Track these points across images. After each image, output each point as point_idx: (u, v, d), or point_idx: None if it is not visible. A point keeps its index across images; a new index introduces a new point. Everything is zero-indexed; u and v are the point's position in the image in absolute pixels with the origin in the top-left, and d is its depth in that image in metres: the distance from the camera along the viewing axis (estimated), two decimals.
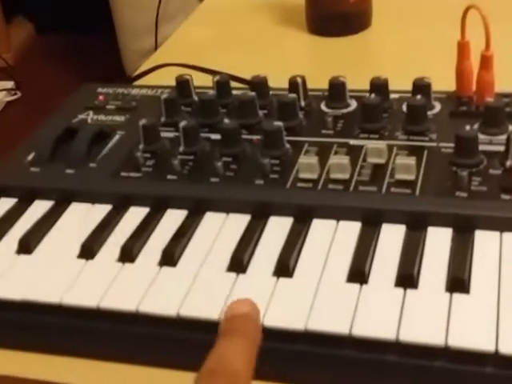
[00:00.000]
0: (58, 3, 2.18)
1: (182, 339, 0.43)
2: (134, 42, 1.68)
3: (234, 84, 0.67)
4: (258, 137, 0.55)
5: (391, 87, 0.58)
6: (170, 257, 0.47)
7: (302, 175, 0.50)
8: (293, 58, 0.80)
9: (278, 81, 0.61)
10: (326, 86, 0.60)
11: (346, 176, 0.50)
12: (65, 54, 2.13)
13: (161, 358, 0.43)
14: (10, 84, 2.00)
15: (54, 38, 2.17)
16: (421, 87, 0.55)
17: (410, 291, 0.42)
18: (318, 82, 0.61)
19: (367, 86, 0.58)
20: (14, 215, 0.52)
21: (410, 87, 0.57)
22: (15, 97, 1.97)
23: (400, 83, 0.59)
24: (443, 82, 0.57)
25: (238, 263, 0.45)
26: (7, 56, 2.09)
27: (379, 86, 0.56)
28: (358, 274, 0.43)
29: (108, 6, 1.70)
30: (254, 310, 0.39)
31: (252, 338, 0.37)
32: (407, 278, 0.42)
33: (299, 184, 0.50)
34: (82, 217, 0.52)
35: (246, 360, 0.36)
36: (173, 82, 0.63)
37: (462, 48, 0.55)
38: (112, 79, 0.70)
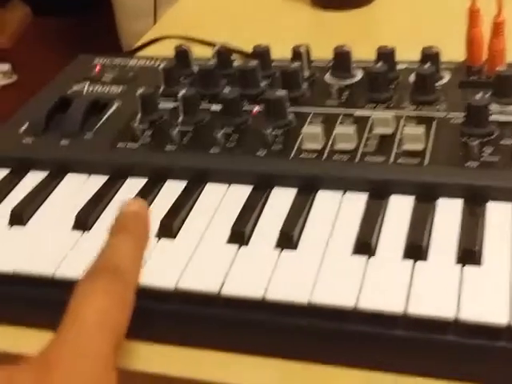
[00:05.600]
0: None
1: (179, 313, 0.41)
2: (133, 24, 1.66)
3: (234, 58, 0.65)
4: (258, 108, 0.53)
5: (398, 59, 0.56)
6: (167, 228, 0.45)
7: (306, 145, 0.48)
8: (295, 32, 0.77)
9: (280, 55, 0.59)
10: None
11: (352, 146, 0.48)
12: (62, 36, 2.10)
13: (153, 332, 0.42)
14: (5, 67, 1.97)
15: (50, 21, 2.14)
16: (429, 56, 0.53)
17: (419, 263, 0.40)
18: (322, 55, 0.59)
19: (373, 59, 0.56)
20: (6, 186, 0.51)
21: (417, 59, 0.55)
22: (11, 80, 1.95)
23: (407, 55, 0.57)
24: (453, 53, 0.55)
25: (239, 235, 0.44)
26: (3, 39, 2.07)
27: (386, 55, 0.54)
28: (365, 245, 0.42)
29: None
30: (143, 209, 0.40)
31: (139, 234, 0.38)
32: (416, 249, 0.41)
33: (303, 155, 0.48)
34: (78, 188, 0.50)
35: (130, 256, 0.37)
36: (172, 56, 0.61)
37: (472, 15, 0.52)
38: None
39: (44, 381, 0.31)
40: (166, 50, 0.66)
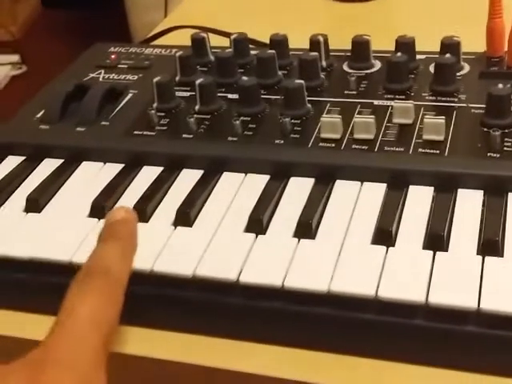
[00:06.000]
0: None
1: (196, 301, 0.41)
2: (144, 17, 1.65)
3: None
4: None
5: (417, 50, 0.56)
6: (184, 217, 0.44)
7: (325, 135, 0.48)
8: (311, 24, 0.77)
9: (296, 46, 0.59)
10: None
11: (371, 136, 0.47)
12: (72, 28, 2.10)
13: (170, 319, 0.41)
14: (15, 58, 1.97)
15: (60, 12, 2.14)
16: (449, 46, 0.53)
17: (439, 254, 0.39)
18: (338, 47, 0.59)
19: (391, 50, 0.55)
20: (22, 173, 0.50)
21: (436, 50, 0.55)
22: (20, 71, 1.95)
23: (426, 46, 0.56)
24: (473, 43, 0.55)
25: (257, 223, 0.43)
26: (13, 29, 2.06)
27: (406, 45, 0.54)
28: (385, 234, 0.41)
29: None
30: (129, 215, 0.43)
31: (126, 238, 0.41)
32: (437, 239, 0.40)
33: (321, 144, 0.48)
34: (94, 175, 0.49)
35: (119, 258, 0.39)
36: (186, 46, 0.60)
37: (494, 5, 0.52)
38: None
39: (36, 374, 0.32)
40: (178, 41, 0.66)
